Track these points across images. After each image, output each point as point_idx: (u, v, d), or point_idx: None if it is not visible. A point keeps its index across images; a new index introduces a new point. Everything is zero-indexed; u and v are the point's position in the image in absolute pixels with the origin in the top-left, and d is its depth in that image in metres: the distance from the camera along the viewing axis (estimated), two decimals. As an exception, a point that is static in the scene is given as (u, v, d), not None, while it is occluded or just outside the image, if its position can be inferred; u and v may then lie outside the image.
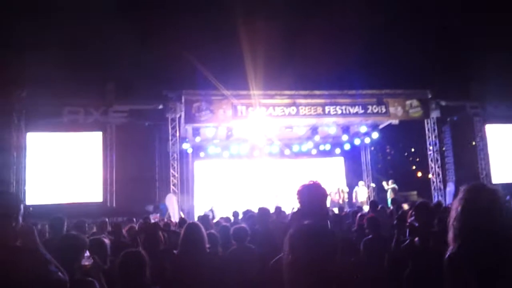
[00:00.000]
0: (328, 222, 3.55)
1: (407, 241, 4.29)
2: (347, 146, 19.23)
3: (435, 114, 16.21)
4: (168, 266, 4.54)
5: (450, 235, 2.32)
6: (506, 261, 2.14)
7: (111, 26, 14.75)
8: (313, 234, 2.85)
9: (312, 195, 3.21)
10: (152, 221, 9.48)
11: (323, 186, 3.27)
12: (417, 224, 4.24)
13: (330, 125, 16.46)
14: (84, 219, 7.77)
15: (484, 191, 2.33)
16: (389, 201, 16.78)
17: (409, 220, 4.72)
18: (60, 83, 13.82)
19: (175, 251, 4.82)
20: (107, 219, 8.13)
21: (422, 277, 3.91)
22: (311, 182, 3.25)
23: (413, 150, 33.30)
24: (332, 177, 19.53)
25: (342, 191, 17.80)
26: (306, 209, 3.22)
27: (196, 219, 10.44)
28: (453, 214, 2.35)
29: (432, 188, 16.48)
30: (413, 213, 4.36)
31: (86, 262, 3.47)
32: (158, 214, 13.22)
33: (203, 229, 4.62)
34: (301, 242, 2.95)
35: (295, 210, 3.48)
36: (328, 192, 3.47)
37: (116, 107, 15.15)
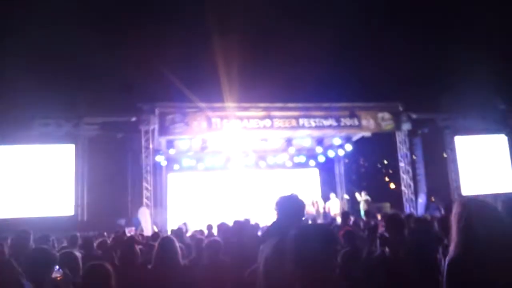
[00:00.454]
0: None
1: (378, 252, 4.34)
2: (321, 158, 19.41)
3: (406, 126, 16.55)
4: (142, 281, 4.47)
5: (452, 245, 2.47)
6: (504, 268, 2.23)
7: (84, 38, 14.60)
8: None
9: (290, 206, 3.23)
10: (128, 234, 9.32)
11: (300, 198, 3.31)
12: (387, 235, 4.29)
13: (304, 137, 16.61)
14: (49, 234, 7.57)
15: (482, 204, 2.51)
16: (362, 212, 16.97)
17: (379, 231, 4.78)
18: (30, 95, 13.57)
19: (149, 266, 4.75)
20: (78, 233, 7.96)
21: (393, 286, 3.95)
22: (289, 194, 3.30)
23: (386, 162, 33.80)
24: (307, 188, 19.63)
25: (317, 202, 17.90)
26: (283, 220, 3.23)
27: (169, 232, 10.31)
28: (453, 226, 2.50)
29: (404, 199, 16.74)
30: (384, 224, 4.42)
31: (56, 275, 3.40)
32: (134, 228, 12.98)
33: (176, 243, 4.58)
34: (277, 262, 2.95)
35: (270, 223, 3.49)
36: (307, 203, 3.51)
37: (88, 119, 14.91)
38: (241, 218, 9.67)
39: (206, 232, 9.87)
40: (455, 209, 2.53)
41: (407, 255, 4.19)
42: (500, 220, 2.42)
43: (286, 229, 3.14)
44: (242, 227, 6.38)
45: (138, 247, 5.16)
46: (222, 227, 7.49)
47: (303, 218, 3.41)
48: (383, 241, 4.32)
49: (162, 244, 4.52)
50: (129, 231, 11.80)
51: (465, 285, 2.30)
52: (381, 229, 4.84)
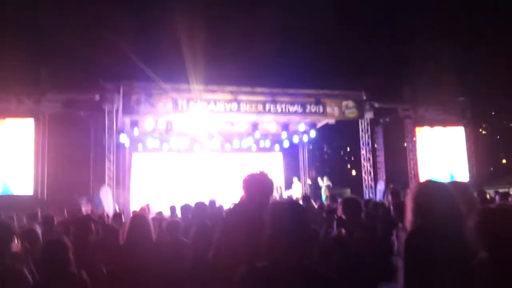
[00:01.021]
0: None
1: (334, 232, 4.53)
2: (286, 143, 19.64)
3: (369, 115, 16.96)
4: (104, 259, 4.48)
5: (408, 221, 2.59)
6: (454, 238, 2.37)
7: (48, 13, 14.14)
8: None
9: (259, 185, 3.18)
10: (84, 212, 9.25)
11: (269, 176, 3.26)
12: (344, 217, 4.47)
13: (270, 122, 16.76)
14: (12, 212, 7.47)
15: (438, 186, 2.64)
16: (323, 197, 17.35)
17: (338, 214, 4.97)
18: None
19: (121, 243, 4.77)
20: (38, 210, 7.86)
21: (348, 265, 4.13)
22: (259, 172, 3.25)
23: (348, 149, 34.51)
24: (270, 173, 19.80)
25: (280, 188, 18.13)
26: (250, 200, 3.20)
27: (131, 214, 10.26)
28: (409, 203, 2.61)
29: (364, 185, 17.24)
30: (342, 207, 4.59)
31: (15, 249, 3.41)
32: (90, 205, 12.80)
33: (150, 221, 4.59)
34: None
35: (233, 204, 3.47)
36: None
37: (50, 96, 14.47)
38: (207, 200, 9.81)
39: (169, 214, 9.90)
40: (411, 190, 2.68)
41: (362, 236, 4.40)
42: (450, 196, 2.57)
43: (253, 209, 3.19)
44: (205, 208, 6.44)
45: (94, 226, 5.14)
46: (184, 208, 7.54)
47: (270, 198, 3.35)
48: (339, 223, 4.51)
49: (135, 221, 4.51)
50: (86, 209, 11.67)
51: (421, 255, 2.42)
52: (339, 213, 5.01)
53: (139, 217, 4.43)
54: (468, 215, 3.08)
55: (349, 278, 4.05)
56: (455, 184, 3.25)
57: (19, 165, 14.47)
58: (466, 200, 3.21)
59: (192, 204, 7.86)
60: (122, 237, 4.58)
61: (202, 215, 6.02)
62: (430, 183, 2.71)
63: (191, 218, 6.57)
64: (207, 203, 8.95)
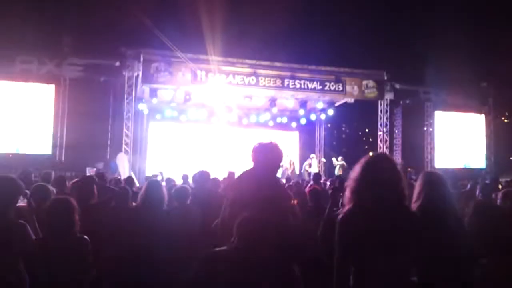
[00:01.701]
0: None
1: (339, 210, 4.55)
2: (303, 121, 19.55)
3: (389, 96, 16.74)
4: (107, 220, 4.59)
5: (347, 195, 2.48)
6: (393, 228, 2.32)
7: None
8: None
9: (268, 154, 3.20)
10: (88, 174, 9.44)
11: (279, 147, 3.27)
12: None
13: (288, 98, 16.68)
14: (31, 170, 7.70)
15: (387, 160, 2.52)
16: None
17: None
18: (14, 32, 13.25)
19: (134, 204, 4.87)
20: (52, 171, 8.06)
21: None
22: (268, 142, 3.26)
23: (367, 130, 34.15)
24: (286, 150, 19.87)
25: (293, 163, 18.18)
26: (258, 169, 3.22)
27: (145, 180, 10.45)
28: (353, 176, 2.49)
29: (378, 167, 17.13)
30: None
31: (21, 204, 3.50)
32: (95, 169, 13.02)
33: (164, 189, 4.68)
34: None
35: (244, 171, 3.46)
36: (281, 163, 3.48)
37: (71, 59, 14.63)
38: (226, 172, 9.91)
39: (181, 182, 10.04)
40: (362, 160, 2.53)
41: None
42: (401, 181, 2.45)
43: (260, 178, 3.21)
44: (206, 177, 6.50)
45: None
46: (195, 176, 7.63)
47: (278, 167, 3.40)
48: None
49: (151, 187, 4.60)
50: (91, 171, 11.93)
51: (353, 242, 2.35)
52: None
53: (155, 183, 4.51)
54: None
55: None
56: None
57: (38, 127, 14.80)
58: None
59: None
60: (134, 201, 4.69)
61: (204, 183, 6.08)
62: (381, 156, 2.65)
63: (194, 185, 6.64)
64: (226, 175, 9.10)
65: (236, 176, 8.72)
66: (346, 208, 2.45)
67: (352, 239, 2.34)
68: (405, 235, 2.36)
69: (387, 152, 17.03)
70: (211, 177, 8.09)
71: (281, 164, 3.40)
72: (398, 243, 2.33)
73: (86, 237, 3.41)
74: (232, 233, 3.02)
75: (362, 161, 2.49)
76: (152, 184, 4.57)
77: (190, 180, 9.56)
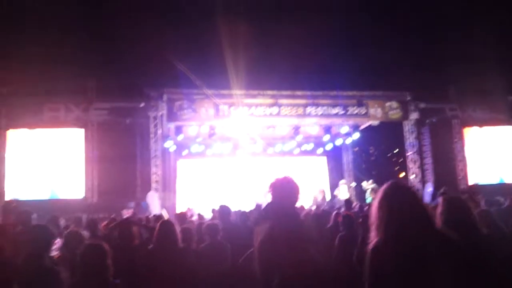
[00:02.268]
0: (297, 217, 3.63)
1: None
2: (329, 146, 19.44)
3: (414, 116, 16.53)
4: (141, 261, 4.64)
5: (373, 231, 2.44)
6: (425, 260, 2.24)
7: (91, 23, 14.71)
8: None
9: (283, 189, 3.25)
10: (125, 216, 9.54)
11: (295, 181, 3.30)
12: None
13: (312, 125, 16.68)
14: (57, 215, 7.83)
15: (405, 190, 2.49)
16: (368, 200, 17.03)
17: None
18: (40, 80, 13.79)
19: (149, 247, 4.92)
20: (82, 215, 8.20)
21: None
22: (283, 176, 3.31)
23: (396, 151, 33.63)
24: (315, 176, 19.74)
25: (323, 191, 17.96)
26: (277, 203, 3.28)
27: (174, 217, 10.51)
28: (374, 211, 2.46)
29: (411, 188, 16.76)
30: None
31: (55, 253, 3.59)
32: (131, 210, 13.15)
33: (175, 227, 4.73)
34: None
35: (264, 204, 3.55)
36: (310, 192, 3.49)
37: (97, 104, 15.09)
38: (242, 207, 9.91)
39: (211, 216, 10.07)
40: (381, 193, 2.51)
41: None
42: (424, 209, 2.41)
43: (279, 211, 3.26)
44: (227, 212, 6.51)
45: (138, 229, 5.31)
46: (222, 211, 7.65)
47: (297, 201, 3.42)
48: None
49: (162, 226, 4.68)
50: (126, 213, 12.02)
51: (385, 275, 2.28)
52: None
53: (166, 224, 4.56)
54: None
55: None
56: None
57: (70, 171, 15.17)
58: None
59: (234, 208, 8.00)
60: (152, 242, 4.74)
61: (226, 218, 6.10)
62: (394, 185, 2.52)
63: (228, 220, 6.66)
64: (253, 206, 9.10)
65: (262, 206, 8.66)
66: (376, 239, 2.42)
67: (383, 269, 2.29)
68: (439, 262, 2.27)
69: (419, 173, 16.70)
70: (241, 210, 8.12)
71: (297, 195, 3.42)
72: (431, 272, 2.25)
73: (118, 281, 3.44)
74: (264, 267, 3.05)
75: (378, 195, 2.50)
76: (163, 225, 4.63)
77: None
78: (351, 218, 6.00)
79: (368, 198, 17.32)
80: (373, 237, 2.43)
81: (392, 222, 2.35)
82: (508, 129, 18.05)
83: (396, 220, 2.34)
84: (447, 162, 17.49)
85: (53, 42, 14.76)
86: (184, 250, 4.75)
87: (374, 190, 17.73)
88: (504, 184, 16.73)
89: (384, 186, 2.52)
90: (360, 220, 5.23)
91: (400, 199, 2.39)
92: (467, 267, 2.32)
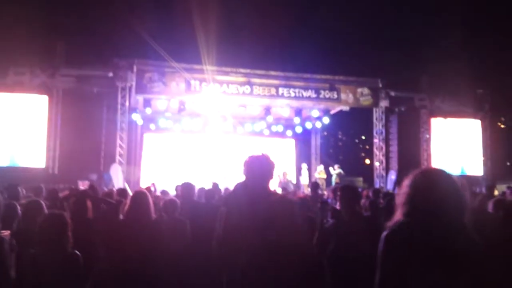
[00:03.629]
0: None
1: (330, 222, 4.45)
2: (298, 129, 19.49)
3: (384, 103, 16.70)
4: (110, 233, 4.50)
5: (397, 213, 2.20)
6: (446, 249, 2.03)
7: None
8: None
9: (259, 167, 3.15)
10: (81, 188, 9.32)
11: (271, 158, 3.20)
12: (338, 207, 4.37)
13: (283, 106, 16.63)
14: (17, 183, 7.54)
15: (442, 176, 2.19)
16: (333, 183, 17.24)
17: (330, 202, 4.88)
18: (5, 43, 13.17)
19: (121, 217, 4.77)
20: (42, 185, 7.92)
21: (342, 256, 4.04)
22: (259, 154, 3.20)
23: (363, 137, 34.17)
24: (282, 158, 19.80)
25: (285, 173, 18.00)
26: (250, 182, 3.17)
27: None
28: (401, 194, 2.22)
29: (375, 175, 17.07)
30: (339, 194, 4.50)
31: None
32: (87, 182, 12.84)
33: (150, 198, 4.59)
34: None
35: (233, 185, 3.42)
36: (276, 173, 3.41)
37: (64, 70, 14.54)
38: (212, 182, 9.80)
39: (174, 193, 9.92)
40: (412, 176, 2.21)
41: (361, 226, 4.26)
42: (459, 198, 2.13)
43: (252, 191, 3.13)
44: (191, 188, 6.39)
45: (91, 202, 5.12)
46: (178, 189, 7.55)
47: (270, 180, 3.29)
48: (333, 214, 4.43)
49: (136, 198, 4.51)
50: (82, 185, 11.75)
51: (398, 262, 2.07)
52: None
53: (140, 194, 4.41)
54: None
55: (344, 267, 3.99)
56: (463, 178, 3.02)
57: (32, 139, 14.66)
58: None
59: (200, 185, 7.88)
60: (123, 213, 4.59)
61: (188, 195, 6.00)
62: (433, 170, 2.26)
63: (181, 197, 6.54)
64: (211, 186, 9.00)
65: (223, 187, 8.60)
66: (395, 222, 2.17)
67: (400, 258, 2.05)
68: (464, 256, 2.05)
69: (383, 160, 16.98)
70: (206, 187, 8.01)
71: (272, 173, 3.29)
72: (455, 265, 2.03)
73: (77, 252, 3.37)
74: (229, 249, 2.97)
75: (411, 176, 2.22)
76: (138, 196, 4.47)
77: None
78: (306, 201, 6.00)
79: (334, 183, 17.54)
80: (396, 219, 2.18)
81: (421, 205, 2.11)
82: (474, 122, 18.51)
83: (427, 204, 2.10)
84: (412, 151, 17.82)
85: (21, 4, 14.06)
86: (156, 221, 4.62)
87: (340, 175, 18.00)
88: (466, 175, 17.19)
89: (421, 169, 2.27)
90: (319, 205, 5.23)
91: (440, 185, 2.12)
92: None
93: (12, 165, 14.36)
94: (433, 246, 2.03)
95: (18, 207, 4.50)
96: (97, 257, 4.07)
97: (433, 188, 2.10)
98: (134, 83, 14.19)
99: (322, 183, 17.62)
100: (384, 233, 2.14)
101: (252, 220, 2.94)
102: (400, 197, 2.21)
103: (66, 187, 11.77)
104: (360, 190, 7.97)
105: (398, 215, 2.18)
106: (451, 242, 2.03)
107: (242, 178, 3.28)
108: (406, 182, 2.21)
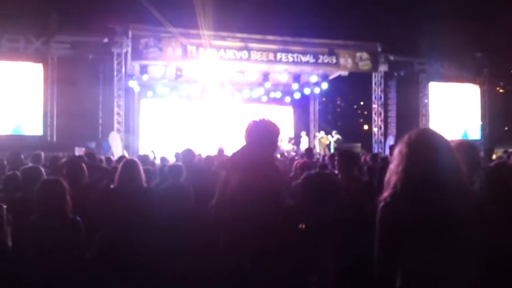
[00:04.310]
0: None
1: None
2: (297, 95, 19.35)
3: (383, 68, 16.57)
4: (103, 200, 4.51)
5: (391, 180, 2.07)
6: (450, 211, 1.92)
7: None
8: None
9: (263, 133, 3.07)
10: (77, 154, 9.31)
11: (275, 123, 3.14)
12: (337, 172, 4.37)
13: (281, 72, 16.47)
14: (19, 151, 7.56)
15: (435, 135, 2.09)
16: (332, 151, 17.26)
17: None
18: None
19: (112, 186, 4.78)
20: (42, 152, 7.92)
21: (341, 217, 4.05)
22: (263, 119, 3.13)
23: (362, 103, 34.01)
24: (281, 125, 19.70)
25: (293, 139, 18.03)
26: (253, 146, 3.09)
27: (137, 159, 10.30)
28: (395, 157, 2.10)
29: (373, 140, 17.10)
30: (336, 159, 4.49)
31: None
32: (83, 148, 12.83)
33: (140, 166, 4.58)
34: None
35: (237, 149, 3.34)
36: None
37: (59, 37, 14.33)
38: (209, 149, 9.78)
39: (174, 159, 9.93)
40: (406, 137, 2.10)
41: (359, 190, 4.27)
42: (454, 160, 2.04)
43: (253, 156, 3.08)
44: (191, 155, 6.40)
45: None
46: (178, 156, 7.55)
47: (274, 148, 3.26)
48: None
49: (125, 166, 4.51)
50: (79, 151, 11.77)
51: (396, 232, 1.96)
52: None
53: (130, 163, 4.41)
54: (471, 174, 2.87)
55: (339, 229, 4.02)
56: (460, 142, 2.97)
57: (28, 106, 14.57)
58: (470, 158, 2.95)
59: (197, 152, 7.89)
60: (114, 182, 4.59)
61: (189, 161, 6.01)
62: (429, 131, 2.12)
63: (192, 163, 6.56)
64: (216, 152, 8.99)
65: (226, 153, 8.61)
66: (388, 192, 2.04)
67: (398, 228, 1.94)
68: (467, 221, 1.93)
69: (382, 125, 16.96)
70: (206, 154, 8.02)
71: (277, 139, 3.22)
72: (458, 232, 1.92)
73: (78, 218, 3.38)
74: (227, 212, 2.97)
75: (406, 137, 2.09)
76: (127, 164, 4.47)
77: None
78: (307, 165, 6.00)
79: (332, 149, 17.57)
80: (389, 187, 2.05)
81: (415, 171, 2.00)
82: (473, 87, 18.42)
83: (420, 169, 1.99)
84: (410, 116, 17.79)
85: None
86: (147, 190, 4.64)
87: (338, 141, 18.01)
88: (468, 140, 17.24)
89: (413, 131, 2.14)
90: (317, 170, 5.25)
91: (430, 147, 2.01)
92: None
93: (9, 133, 14.32)
94: (431, 214, 1.92)
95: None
96: (93, 225, 4.09)
97: (427, 147, 2.00)
98: (129, 49, 13.97)
99: (324, 148, 17.71)
100: (380, 205, 2.02)
101: (249, 187, 2.92)
102: (395, 159, 2.10)
103: (65, 155, 11.78)
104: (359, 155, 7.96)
105: (393, 181, 2.05)
106: (450, 207, 1.92)
107: (242, 143, 3.24)
108: (401, 144, 2.10)
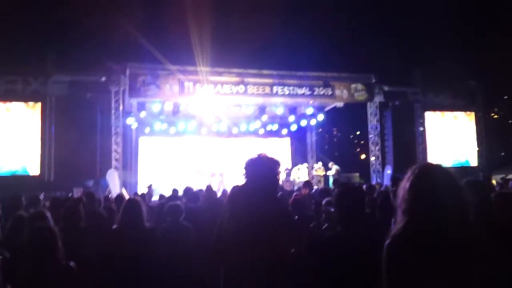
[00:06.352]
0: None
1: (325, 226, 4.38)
2: (293, 127, 19.44)
3: (378, 98, 16.74)
4: (105, 241, 4.44)
5: (398, 215, 2.08)
6: (452, 248, 1.92)
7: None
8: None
9: (260, 169, 3.00)
10: (76, 195, 9.21)
11: (272, 157, 3.06)
12: (332, 209, 4.18)
13: (277, 105, 16.60)
14: (21, 194, 7.45)
15: (438, 171, 2.09)
16: (330, 181, 17.22)
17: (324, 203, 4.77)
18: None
19: (114, 226, 4.72)
20: (41, 195, 7.83)
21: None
22: (257, 155, 3.05)
23: (358, 133, 34.15)
24: (278, 157, 19.67)
25: (285, 169, 17.97)
26: (251, 184, 3.02)
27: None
28: (400, 193, 2.09)
29: (371, 170, 17.09)
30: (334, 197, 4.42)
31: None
32: (81, 189, 12.74)
33: (143, 206, 4.54)
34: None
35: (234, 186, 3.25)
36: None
37: (56, 77, 14.48)
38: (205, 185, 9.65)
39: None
40: (409, 173, 2.08)
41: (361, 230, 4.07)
42: (458, 193, 2.03)
43: (254, 194, 2.98)
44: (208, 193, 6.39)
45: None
46: (187, 192, 7.50)
47: (277, 182, 3.15)
48: (327, 217, 4.37)
49: (127, 206, 4.47)
50: (77, 192, 11.68)
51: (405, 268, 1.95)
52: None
53: (132, 203, 4.37)
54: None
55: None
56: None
57: (26, 147, 14.55)
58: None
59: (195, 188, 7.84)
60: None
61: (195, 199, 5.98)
62: (431, 167, 2.10)
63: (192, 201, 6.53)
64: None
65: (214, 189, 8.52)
66: (396, 230, 2.05)
67: (404, 268, 1.94)
68: (471, 261, 1.93)
69: (379, 155, 17.00)
70: (204, 189, 7.92)
71: (276, 176, 3.15)
72: (462, 271, 1.93)
73: (72, 263, 3.29)
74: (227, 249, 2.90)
75: (409, 174, 2.08)
76: (129, 204, 4.44)
77: (180, 193, 9.42)
78: (300, 202, 5.93)
79: (331, 180, 17.51)
80: (398, 224, 2.06)
81: (420, 207, 2.00)
82: (468, 114, 18.59)
83: (425, 205, 1.99)
84: (407, 145, 17.88)
85: (11, 12, 13.93)
86: (149, 229, 4.58)
87: (337, 172, 17.96)
88: (462, 167, 17.28)
89: (416, 166, 2.13)
90: (313, 207, 5.20)
91: (433, 184, 2.01)
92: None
93: (6, 173, 14.25)
94: (437, 250, 1.92)
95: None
96: (90, 267, 4.00)
97: (434, 186, 1.98)
98: (127, 87, 14.08)
99: (320, 180, 17.65)
100: (386, 242, 2.02)
101: (251, 224, 2.85)
102: (399, 198, 2.09)
103: (62, 195, 11.70)
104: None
105: (399, 219, 2.05)
106: (455, 242, 1.92)
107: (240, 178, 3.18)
108: (404, 181, 2.08)
